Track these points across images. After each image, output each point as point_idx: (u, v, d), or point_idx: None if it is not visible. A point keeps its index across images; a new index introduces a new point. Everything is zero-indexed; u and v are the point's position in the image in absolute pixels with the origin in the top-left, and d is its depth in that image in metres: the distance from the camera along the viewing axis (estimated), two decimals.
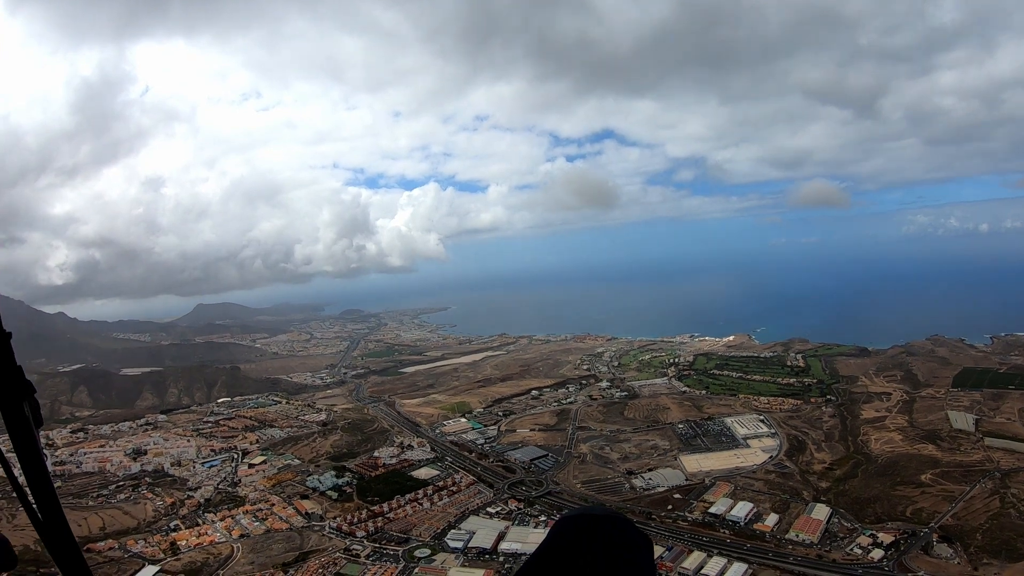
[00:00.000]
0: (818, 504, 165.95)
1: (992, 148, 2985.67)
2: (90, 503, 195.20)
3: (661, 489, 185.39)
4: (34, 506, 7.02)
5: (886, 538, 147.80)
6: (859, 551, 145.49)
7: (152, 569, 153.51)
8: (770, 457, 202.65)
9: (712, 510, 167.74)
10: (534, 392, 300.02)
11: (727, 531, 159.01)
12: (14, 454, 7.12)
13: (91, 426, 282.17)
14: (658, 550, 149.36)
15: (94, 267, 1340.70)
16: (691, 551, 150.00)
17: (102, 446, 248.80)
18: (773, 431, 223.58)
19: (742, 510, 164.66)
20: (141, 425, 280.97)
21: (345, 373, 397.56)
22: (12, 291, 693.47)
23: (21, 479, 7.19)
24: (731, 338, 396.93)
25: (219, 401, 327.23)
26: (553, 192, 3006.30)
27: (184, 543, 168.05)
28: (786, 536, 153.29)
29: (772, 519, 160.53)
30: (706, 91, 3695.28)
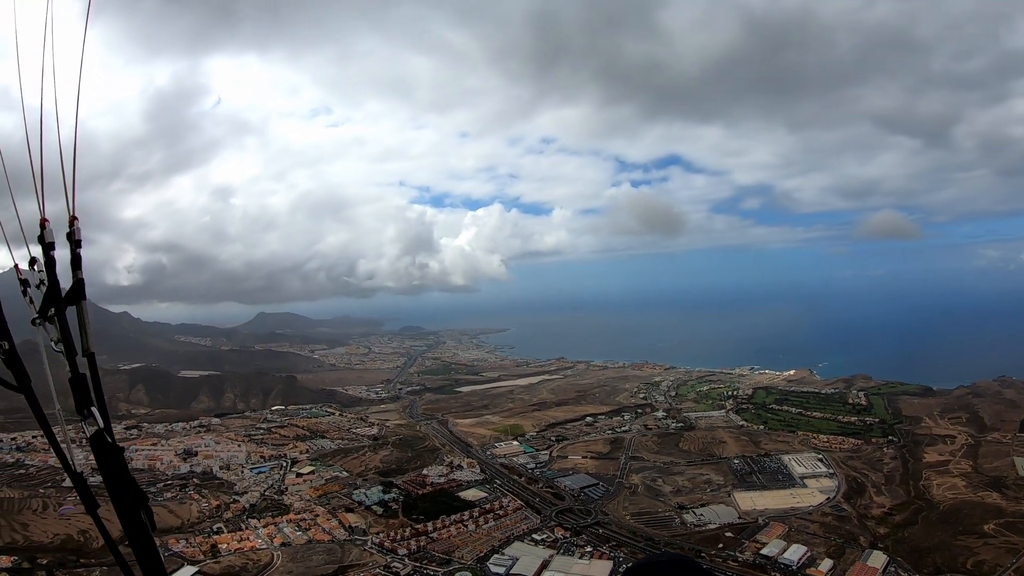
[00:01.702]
0: (875, 551, 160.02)
1: None
2: None
3: (712, 526, 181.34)
4: None
5: None
6: None
7: (191, 570, 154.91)
8: (827, 498, 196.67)
9: (764, 551, 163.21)
10: (588, 418, 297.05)
11: (778, 574, 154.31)
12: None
13: (146, 424, 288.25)
14: None
15: (160, 271, 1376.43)
16: None
17: (154, 444, 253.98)
18: (831, 471, 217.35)
19: (795, 553, 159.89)
20: (194, 427, 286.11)
21: (400, 389, 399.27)
22: None
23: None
24: (792, 372, 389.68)
25: (273, 408, 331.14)
26: (617, 217, 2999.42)
27: (225, 546, 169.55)
28: None
29: (826, 565, 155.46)
30: (774, 118, 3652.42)
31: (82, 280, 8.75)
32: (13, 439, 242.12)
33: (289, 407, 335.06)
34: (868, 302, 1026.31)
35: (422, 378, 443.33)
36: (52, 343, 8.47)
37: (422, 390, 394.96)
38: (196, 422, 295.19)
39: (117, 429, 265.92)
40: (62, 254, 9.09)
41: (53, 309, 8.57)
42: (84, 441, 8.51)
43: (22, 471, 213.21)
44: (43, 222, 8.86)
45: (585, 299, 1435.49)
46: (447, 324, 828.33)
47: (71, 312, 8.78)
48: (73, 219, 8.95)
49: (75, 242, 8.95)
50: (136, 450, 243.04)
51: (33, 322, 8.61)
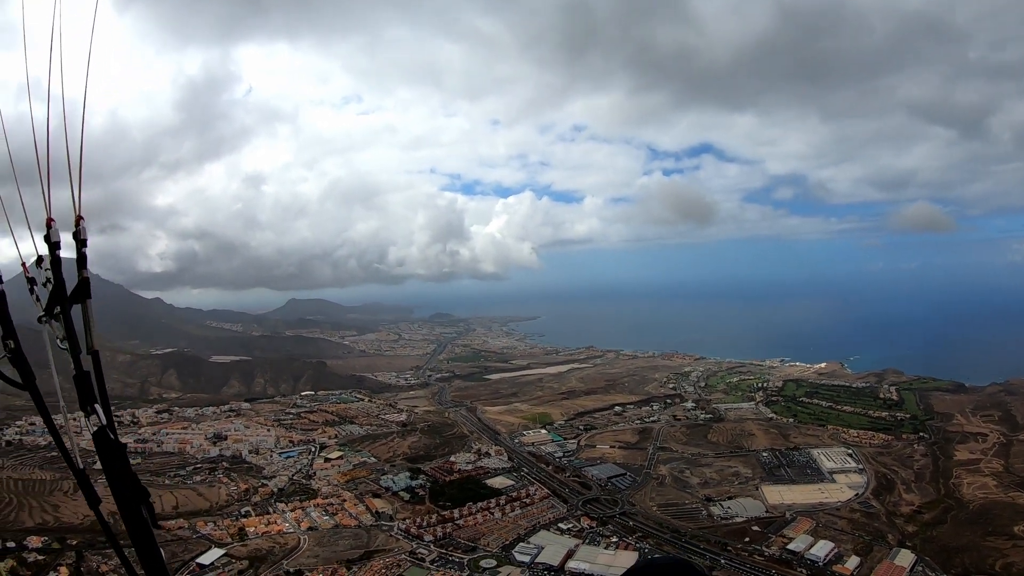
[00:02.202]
0: (903, 550, 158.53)
1: None
2: (166, 482, 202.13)
3: (739, 519, 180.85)
4: None
5: None
6: None
7: (218, 552, 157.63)
8: (856, 494, 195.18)
9: (791, 547, 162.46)
10: (617, 408, 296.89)
11: (804, 570, 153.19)
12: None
13: (176, 408, 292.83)
14: None
15: (192, 257, 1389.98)
16: None
17: (184, 428, 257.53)
18: (861, 467, 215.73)
19: (822, 549, 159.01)
20: (224, 411, 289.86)
21: (429, 376, 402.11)
22: (113, 276, 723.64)
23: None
24: (823, 365, 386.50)
25: (303, 394, 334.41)
26: (649, 206, 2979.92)
27: (252, 530, 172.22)
28: None
29: (853, 562, 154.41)
30: (807, 107, 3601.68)
31: (87, 279, 8.69)
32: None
33: (319, 392, 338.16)
34: (900, 296, 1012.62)
35: (451, 365, 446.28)
36: (57, 341, 8.53)
37: (451, 377, 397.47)
38: (226, 406, 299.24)
39: (148, 413, 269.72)
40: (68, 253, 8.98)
41: (59, 307, 8.60)
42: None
43: (54, 453, 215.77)
44: (49, 221, 8.77)
45: (615, 288, 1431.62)
46: (477, 311, 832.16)
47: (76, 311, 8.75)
48: (79, 219, 8.87)
49: (80, 241, 8.91)
50: (167, 434, 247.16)
51: (39, 320, 8.66)
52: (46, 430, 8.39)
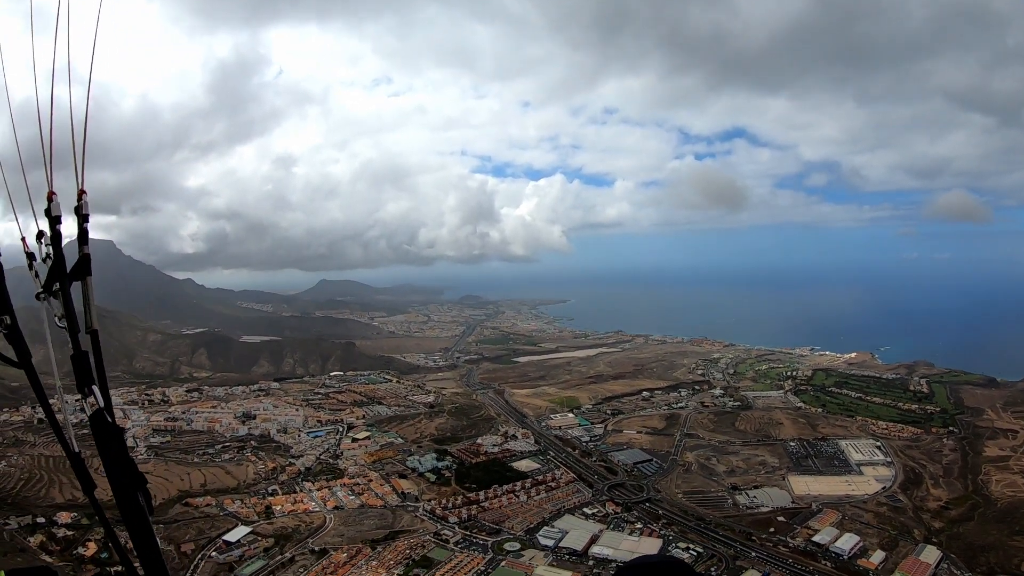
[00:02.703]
0: (928, 546, 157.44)
1: None
2: (195, 460, 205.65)
3: (765, 509, 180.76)
4: None
5: None
6: None
7: (244, 530, 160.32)
8: (883, 488, 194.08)
9: (816, 539, 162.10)
10: (645, 393, 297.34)
11: (829, 563, 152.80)
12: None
13: (206, 387, 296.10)
14: (754, 575, 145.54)
15: (223, 238, 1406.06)
16: None
17: (214, 407, 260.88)
18: (889, 460, 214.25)
19: (847, 542, 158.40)
20: (254, 391, 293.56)
21: (458, 357, 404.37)
22: (145, 256, 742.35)
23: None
24: (852, 355, 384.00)
25: (332, 374, 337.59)
26: (680, 190, 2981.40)
27: (279, 508, 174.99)
28: None
29: (878, 556, 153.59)
30: (843, 91, 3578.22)
31: (88, 255, 8.45)
32: (77, 399, 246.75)
33: (347, 373, 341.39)
34: (933, 286, 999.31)
35: (480, 347, 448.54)
36: (56, 319, 8.37)
37: (480, 359, 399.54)
38: (256, 386, 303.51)
39: (178, 391, 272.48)
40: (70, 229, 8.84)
41: (58, 284, 8.42)
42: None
43: (85, 431, 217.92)
44: (51, 195, 8.59)
45: (645, 272, 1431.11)
46: (506, 294, 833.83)
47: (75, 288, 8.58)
48: (81, 192, 8.58)
49: (82, 216, 8.66)
50: (196, 412, 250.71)
51: (37, 296, 8.52)
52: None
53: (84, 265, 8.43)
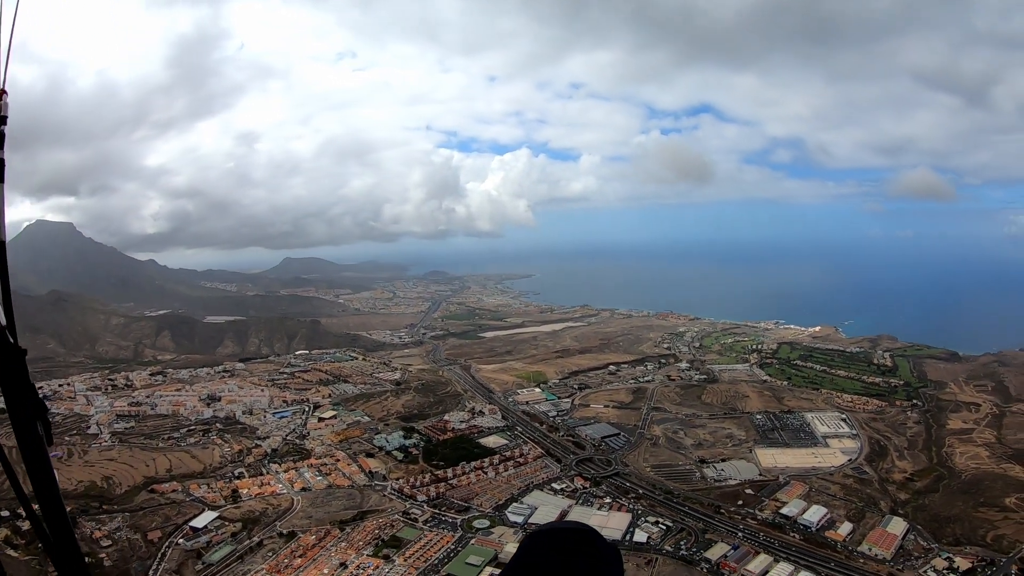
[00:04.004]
0: (895, 517, 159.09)
1: None
2: (160, 445, 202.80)
3: (733, 482, 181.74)
4: (44, 525, 7.14)
5: (963, 563, 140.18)
6: (933, 574, 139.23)
7: (211, 515, 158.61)
8: (849, 460, 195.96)
9: (784, 511, 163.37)
10: (611, 367, 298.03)
11: (797, 535, 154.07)
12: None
13: (170, 370, 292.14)
14: (723, 548, 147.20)
15: (186, 218, 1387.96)
16: (758, 553, 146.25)
17: (178, 390, 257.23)
18: (855, 432, 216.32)
19: (815, 515, 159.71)
20: (219, 372, 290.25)
21: (424, 334, 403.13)
22: (106, 238, 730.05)
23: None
24: (817, 329, 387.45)
25: (297, 353, 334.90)
26: (646, 164, 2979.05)
27: (246, 491, 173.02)
28: (858, 548, 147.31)
29: (846, 528, 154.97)
30: (811, 68, 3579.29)
31: (3, 160, 7.86)
32: (40, 388, 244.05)
33: (313, 352, 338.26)
34: (896, 262, 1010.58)
35: (446, 323, 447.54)
36: None
37: (446, 335, 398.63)
38: (220, 367, 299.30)
39: (142, 375, 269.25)
40: None
41: None
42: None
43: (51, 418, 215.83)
44: (1, 93, 7.90)
45: (611, 247, 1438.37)
46: (472, 269, 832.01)
47: None
48: (1, 92, 7.93)
49: (1, 118, 7.91)
50: (161, 396, 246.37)
51: None
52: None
53: None
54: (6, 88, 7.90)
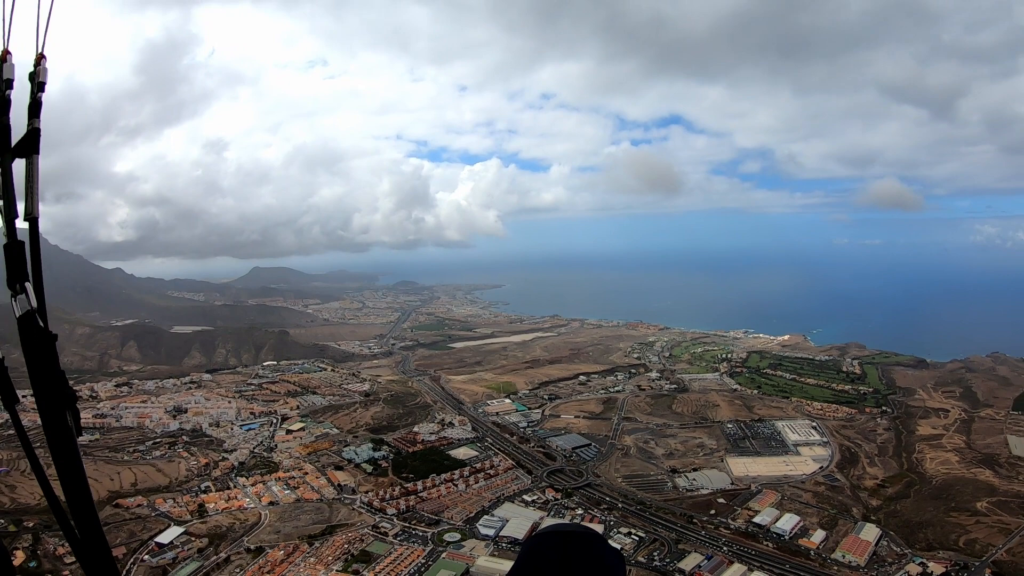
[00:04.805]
0: (868, 524, 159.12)
1: None
2: (125, 458, 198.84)
3: (705, 491, 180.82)
4: (72, 522, 6.64)
5: (936, 569, 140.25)
6: None
7: (177, 530, 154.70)
8: (820, 467, 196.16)
9: (757, 519, 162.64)
10: (582, 377, 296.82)
11: (770, 544, 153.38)
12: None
13: (136, 381, 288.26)
14: (697, 558, 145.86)
15: (153, 225, 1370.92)
16: (731, 562, 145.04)
17: (144, 402, 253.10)
18: (825, 440, 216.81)
19: (788, 523, 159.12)
20: (185, 383, 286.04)
21: (393, 344, 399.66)
22: (72, 246, 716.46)
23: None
24: (786, 337, 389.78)
25: (265, 364, 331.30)
26: (616, 175, 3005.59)
27: (212, 506, 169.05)
28: (832, 556, 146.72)
29: (819, 535, 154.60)
30: (779, 81, 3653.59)
31: (38, 130, 7.29)
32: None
33: (281, 363, 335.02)
34: (864, 271, 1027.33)
35: (416, 333, 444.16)
36: None
37: (415, 345, 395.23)
38: (187, 378, 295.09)
39: (107, 386, 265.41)
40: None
41: None
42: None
43: (10, 432, 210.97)
44: (5, 54, 7.39)
45: (581, 257, 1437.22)
46: (442, 279, 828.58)
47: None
48: (40, 57, 7.52)
49: (38, 84, 7.47)
50: (126, 408, 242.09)
51: None
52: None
53: (32, 140, 7.20)
54: (45, 53, 7.53)
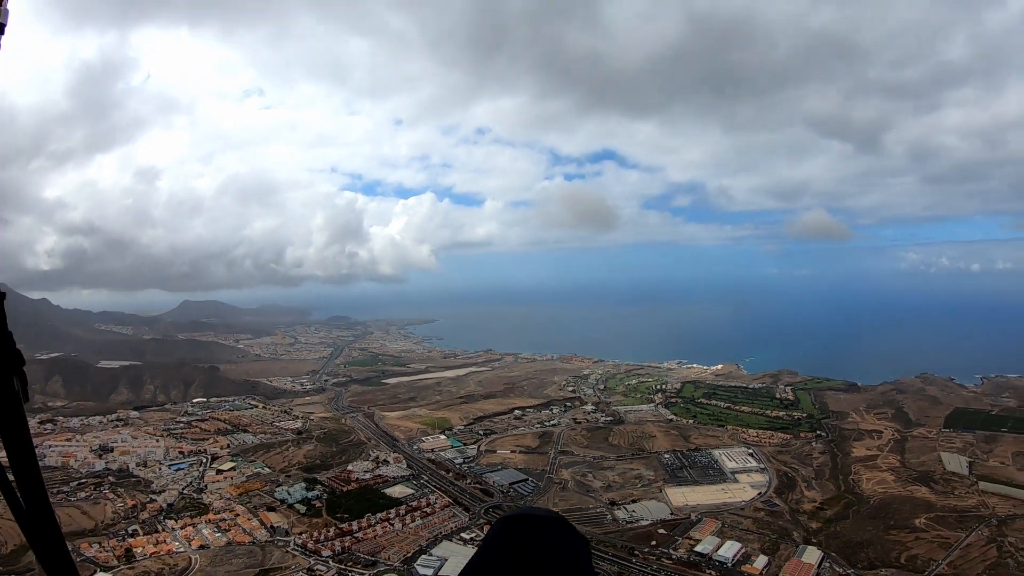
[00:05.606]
0: (809, 547, 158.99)
1: (990, 189, 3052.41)
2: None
3: (645, 523, 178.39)
4: (17, 494, 6.36)
5: None
6: None
7: None
8: (759, 493, 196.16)
9: (698, 548, 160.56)
10: (517, 412, 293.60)
11: (713, 572, 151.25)
12: None
13: (61, 418, 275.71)
14: None
15: (81, 255, 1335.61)
16: None
17: (68, 440, 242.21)
18: (762, 466, 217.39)
19: (730, 550, 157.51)
20: (112, 420, 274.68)
21: (326, 380, 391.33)
22: None
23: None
24: (719, 367, 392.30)
25: (194, 401, 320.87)
26: (549, 210, 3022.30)
27: (140, 550, 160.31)
28: None
29: (761, 561, 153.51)
30: (710, 118, 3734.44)
31: None
32: None
33: (211, 399, 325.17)
34: (794, 300, 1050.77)
35: (349, 369, 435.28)
36: None
37: (348, 381, 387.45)
38: (114, 415, 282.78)
39: (31, 423, 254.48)
40: None
41: None
42: None
43: None
44: None
45: (514, 291, 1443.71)
46: (375, 314, 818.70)
47: None
48: None
49: None
50: (49, 446, 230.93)
51: None
52: None
53: None
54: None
